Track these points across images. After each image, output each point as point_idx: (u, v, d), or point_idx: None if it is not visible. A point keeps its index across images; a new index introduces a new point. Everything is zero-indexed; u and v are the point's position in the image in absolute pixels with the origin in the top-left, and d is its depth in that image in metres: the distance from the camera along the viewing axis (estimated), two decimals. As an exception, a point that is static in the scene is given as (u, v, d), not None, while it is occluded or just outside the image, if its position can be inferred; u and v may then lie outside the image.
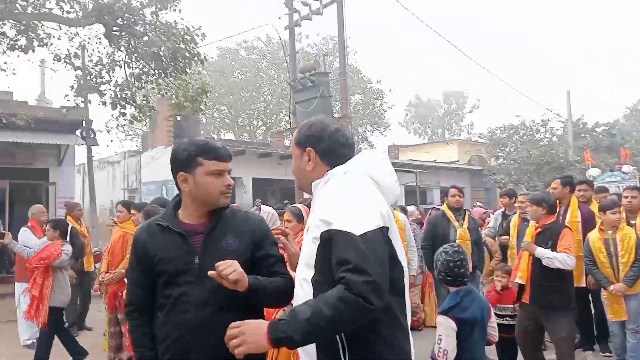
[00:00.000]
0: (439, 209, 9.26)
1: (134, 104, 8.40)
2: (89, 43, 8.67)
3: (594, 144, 26.28)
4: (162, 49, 7.27)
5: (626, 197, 5.26)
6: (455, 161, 25.96)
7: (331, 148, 1.78)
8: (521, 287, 4.23)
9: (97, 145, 10.43)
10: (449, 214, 5.41)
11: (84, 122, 10.58)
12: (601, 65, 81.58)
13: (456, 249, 3.10)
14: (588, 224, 5.03)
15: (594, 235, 4.76)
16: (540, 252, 4.03)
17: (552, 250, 4.02)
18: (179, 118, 17.22)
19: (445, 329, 2.79)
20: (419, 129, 52.05)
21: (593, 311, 5.39)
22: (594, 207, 5.34)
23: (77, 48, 8.64)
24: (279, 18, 13.49)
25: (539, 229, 4.18)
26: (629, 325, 4.57)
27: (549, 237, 4.09)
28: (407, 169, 20.87)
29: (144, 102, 8.64)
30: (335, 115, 12.81)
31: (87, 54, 8.99)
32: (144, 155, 19.10)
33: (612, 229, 4.68)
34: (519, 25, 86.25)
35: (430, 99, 52.20)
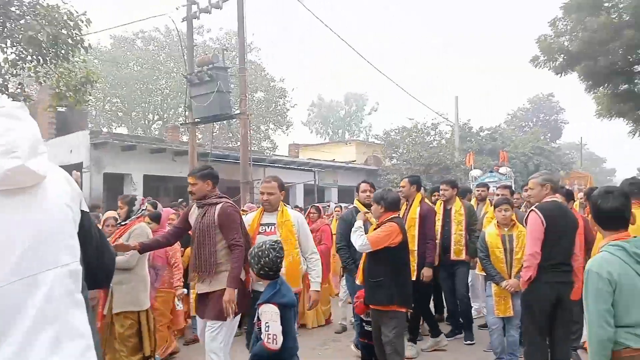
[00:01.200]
0: (342, 206, 9.45)
1: (6, 92, 7.57)
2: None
3: (478, 147, 28.43)
4: (40, 33, 6.59)
5: (498, 194, 6.14)
6: (353, 161, 26.72)
7: None
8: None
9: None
10: (363, 210, 5.31)
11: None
12: (487, 73, 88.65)
13: (281, 245, 3.24)
14: (426, 220, 5.27)
15: (490, 231, 4.87)
16: (356, 224, 4.11)
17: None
18: (61, 109, 16.00)
19: (271, 315, 2.95)
20: (321, 129, 53.01)
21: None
22: (487, 205, 6.26)
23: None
24: (177, 9, 13.00)
25: (376, 227, 4.13)
26: (514, 320, 4.69)
27: None
28: (307, 168, 21.17)
29: (19, 90, 7.83)
30: (234, 112, 12.57)
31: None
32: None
33: (508, 226, 4.80)
34: (417, 31, 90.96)
35: (332, 100, 53.41)
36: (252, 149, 26.94)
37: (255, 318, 3.11)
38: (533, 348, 4.08)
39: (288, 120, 33.09)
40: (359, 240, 3.90)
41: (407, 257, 4.23)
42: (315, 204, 8.09)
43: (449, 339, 5.73)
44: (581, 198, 8.16)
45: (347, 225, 4.90)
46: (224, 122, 22.18)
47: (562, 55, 13.11)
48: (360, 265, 4.13)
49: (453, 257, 5.69)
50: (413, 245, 5.02)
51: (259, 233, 4.05)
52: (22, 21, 7.18)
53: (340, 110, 53.54)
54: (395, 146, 25.90)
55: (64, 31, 7.05)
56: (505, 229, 4.81)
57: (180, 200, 11.68)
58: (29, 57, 7.52)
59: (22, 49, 7.34)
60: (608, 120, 14.61)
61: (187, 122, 12.88)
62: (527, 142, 30.95)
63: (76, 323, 1.25)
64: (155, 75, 28.32)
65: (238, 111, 12.23)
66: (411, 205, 5.31)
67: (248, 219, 4.22)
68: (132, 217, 4.41)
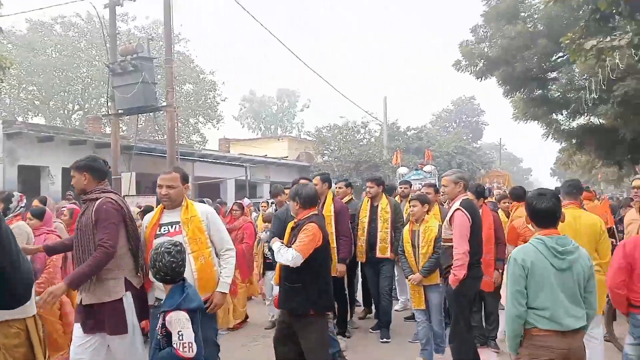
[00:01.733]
0: (269, 202, 9.35)
1: None
2: None
3: (405, 145, 29.35)
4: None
5: (422, 192, 6.24)
6: (285, 157, 26.74)
7: None
8: None
9: None
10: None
11: None
12: (416, 75, 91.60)
13: (179, 248, 2.96)
14: (340, 216, 5.36)
15: (407, 227, 5.09)
16: (274, 245, 3.77)
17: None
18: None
19: (183, 322, 2.80)
20: (253, 124, 52.55)
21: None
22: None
23: None
24: (99, -6, 12.34)
25: (294, 224, 3.88)
26: (435, 315, 4.84)
27: (297, 231, 3.74)
28: (238, 163, 20.90)
29: None
30: (160, 104, 12.15)
31: None
32: None
33: (418, 222, 4.92)
34: (349, 30, 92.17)
35: (264, 95, 53.07)
36: (181, 142, 26.21)
37: (158, 326, 2.87)
38: (463, 344, 4.23)
39: (218, 114, 32.43)
40: (287, 254, 3.57)
41: (328, 257, 3.99)
42: (238, 201, 7.88)
43: (375, 331, 5.95)
44: (496, 196, 8.69)
45: (281, 223, 4.75)
46: (150, 114, 21.44)
47: (482, 61, 13.80)
48: (278, 265, 3.82)
49: (378, 254, 5.69)
50: (332, 243, 5.06)
51: (158, 235, 3.46)
52: None
53: (272, 106, 53.33)
54: (326, 143, 26.18)
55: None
56: (417, 225, 4.94)
57: (68, 192, 11.12)
58: None
59: None
60: (524, 123, 15.56)
61: (109, 113, 12.28)
62: (451, 142, 32.37)
63: None
64: (76, 63, 26.74)
65: (164, 103, 11.84)
66: (324, 203, 5.31)
67: (146, 219, 3.70)
68: (10, 216, 4.07)
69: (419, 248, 4.87)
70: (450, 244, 4.22)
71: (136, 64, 11.07)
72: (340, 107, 48.20)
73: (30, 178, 14.65)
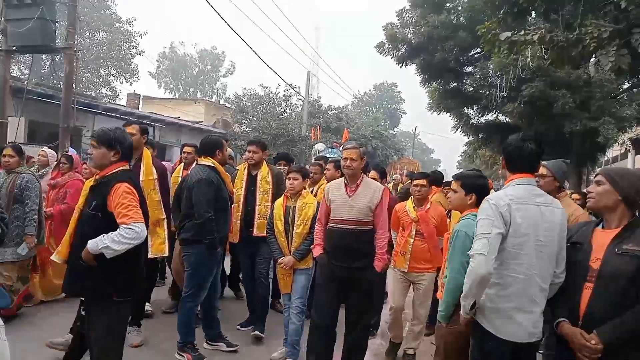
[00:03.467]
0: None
1: None
2: None
3: (325, 124, 29.42)
4: None
5: (328, 169, 5.72)
6: (200, 121, 25.72)
7: None
8: None
9: None
10: (224, 172, 4.42)
11: None
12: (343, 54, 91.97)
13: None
14: (162, 179, 4.62)
15: (278, 201, 4.46)
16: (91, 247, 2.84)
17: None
18: None
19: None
20: (171, 84, 50.12)
21: None
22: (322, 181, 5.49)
23: None
24: None
25: (98, 181, 3.07)
26: (295, 301, 4.24)
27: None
28: (147, 122, 19.73)
29: None
30: (59, 45, 11.00)
31: None
32: None
33: (295, 196, 4.35)
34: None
35: (186, 54, 50.63)
36: (89, 94, 24.34)
37: None
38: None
39: (133, 68, 30.44)
40: (129, 232, 2.79)
41: None
42: (66, 152, 6.45)
43: (244, 329, 4.99)
44: (396, 179, 8.76)
45: (216, 189, 4.14)
46: (56, 59, 19.56)
47: (405, 46, 13.93)
48: (66, 235, 3.07)
49: (256, 232, 4.79)
50: (160, 213, 4.43)
51: None
52: None
53: (194, 67, 51.08)
54: (245, 112, 25.52)
55: None
56: (292, 200, 4.36)
57: None
58: None
59: None
60: (437, 113, 16.03)
61: (1, 48, 10.92)
62: (369, 125, 32.99)
63: None
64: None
65: (63, 45, 10.72)
66: (139, 162, 4.43)
67: None
68: None
69: (293, 227, 4.27)
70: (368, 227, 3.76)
71: (34, -4, 9.87)
72: (265, 78, 47.21)
73: None
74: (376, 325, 5.17)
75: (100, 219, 2.85)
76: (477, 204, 2.86)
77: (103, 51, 27.92)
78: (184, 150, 5.73)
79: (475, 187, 3.05)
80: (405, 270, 4.40)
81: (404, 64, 14.54)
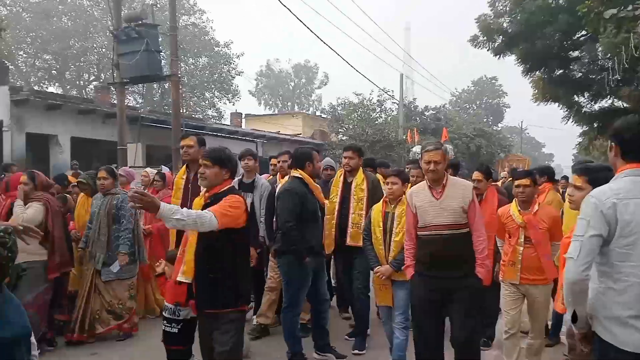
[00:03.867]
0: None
1: None
2: None
3: (423, 126, 28.75)
4: None
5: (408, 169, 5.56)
6: (299, 134, 26.41)
7: None
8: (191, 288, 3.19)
9: None
10: (313, 183, 4.34)
11: None
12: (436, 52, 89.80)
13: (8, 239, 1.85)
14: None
15: (377, 207, 4.19)
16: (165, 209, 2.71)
17: None
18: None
19: None
20: (270, 101, 52.18)
21: None
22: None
23: None
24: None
25: (210, 197, 3.16)
26: (397, 317, 4.03)
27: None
28: (250, 139, 20.67)
29: None
30: (165, 73, 11.90)
31: None
32: None
33: (394, 201, 4.08)
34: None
35: (282, 70, 52.46)
36: (197, 116, 26.09)
37: None
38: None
39: (234, 88, 32.13)
40: (203, 217, 2.81)
41: (249, 243, 3.43)
42: (159, 170, 6.83)
43: (352, 339, 4.84)
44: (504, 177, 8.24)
45: (299, 198, 4.12)
46: (165, 87, 21.28)
47: (501, 37, 13.17)
48: (186, 256, 3.09)
49: (349, 242, 4.61)
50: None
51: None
52: None
53: (289, 82, 52.75)
54: (341, 121, 25.76)
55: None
56: (392, 206, 4.09)
57: (115, 165, 11.01)
58: None
59: None
60: (544, 104, 14.93)
61: (114, 81, 12.07)
62: (470, 123, 31.65)
63: None
64: (90, 32, 26.63)
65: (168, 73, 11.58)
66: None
67: None
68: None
69: (391, 234, 4.00)
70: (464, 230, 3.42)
71: (140, 31, 10.80)
72: (358, 85, 47.45)
73: (39, 146, 14.61)
74: (491, 337, 4.80)
75: (218, 234, 2.92)
76: None
77: (206, 75, 29.80)
78: (344, 156, 5.72)
79: (605, 182, 2.62)
80: (517, 283, 3.91)
81: (501, 56, 13.75)
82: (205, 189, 3.19)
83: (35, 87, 24.49)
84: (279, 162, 5.63)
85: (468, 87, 52.26)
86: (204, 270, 3.04)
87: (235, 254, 3.08)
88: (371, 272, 4.23)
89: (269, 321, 5.10)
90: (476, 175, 4.77)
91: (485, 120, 37.87)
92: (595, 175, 2.73)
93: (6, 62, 19.82)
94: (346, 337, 4.96)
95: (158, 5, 24.85)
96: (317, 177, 4.49)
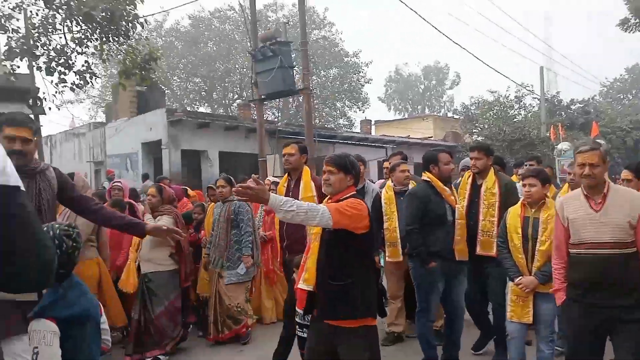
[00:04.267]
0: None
1: (73, 70, 8.00)
2: (26, 5, 8.20)
3: (569, 121, 26.32)
4: (95, 10, 6.82)
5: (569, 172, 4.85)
6: (429, 137, 25.85)
7: None
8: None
9: (45, 114, 9.92)
10: (441, 186, 4.07)
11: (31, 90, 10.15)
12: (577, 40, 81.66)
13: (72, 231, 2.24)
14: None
15: (513, 210, 3.79)
16: (274, 200, 2.65)
17: None
18: (140, 88, 16.78)
19: (44, 336, 2.04)
20: (399, 105, 51.87)
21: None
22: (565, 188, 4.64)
23: (11, 9, 8.16)
24: (243, -15, 13.00)
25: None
26: (542, 332, 3.68)
27: None
28: (379, 145, 20.76)
29: (84, 67, 8.23)
30: (298, 87, 12.47)
31: (28, 16, 8.51)
32: (108, 127, 18.62)
33: (535, 205, 3.67)
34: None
35: (411, 74, 51.87)
36: (329, 126, 26.95)
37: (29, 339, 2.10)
38: None
39: (363, 96, 32.56)
40: (315, 210, 2.69)
41: (372, 252, 3.25)
42: (276, 179, 6.82)
43: (477, 352, 4.58)
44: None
45: (421, 203, 4.02)
46: (300, 100, 22.31)
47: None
48: (308, 263, 2.98)
49: (479, 251, 4.26)
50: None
51: None
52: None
53: (419, 85, 51.93)
54: (475, 121, 24.68)
55: (120, 7, 7.23)
56: (532, 210, 3.67)
57: (257, 176, 11.82)
58: (95, 36, 7.87)
59: (86, 28, 7.67)
60: None
61: (253, 99, 12.96)
62: (625, 115, 28.21)
63: None
64: (232, 54, 28.95)
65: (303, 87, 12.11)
66: (299, 180, 4.36)
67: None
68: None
69: (533, 242, 3.59)
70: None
71: (274, 49, 11.43)
72: (493, 83, 44.94)
73: (192, 161, 16.26)
74: None
75: (342, 237, 2.81)
76: None
77: (336, 85, 30.63)
78: (471, 157, 5.38)
79: None
80: None
81: (662, 37, 12.11)
82: (328, 196, 3.08)
83: (188, 108, 27.29)
84: (389, 163, 5.48)
85: (621, 75, 46.69)
86: (324, 278, 2.88)
87: (357, 263, 2.88)
88: (509, 283, 3.81)
89: (401, 328, 5.03)
90: (625, 174, 4.19)
91: (644, 110, 33.43)
92: None
93: (163, 87, 22.42)
94: (472, 350, 4.61)
95: (290, 23, 26.22)
96: (446, 180, 4.16)
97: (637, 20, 11.86)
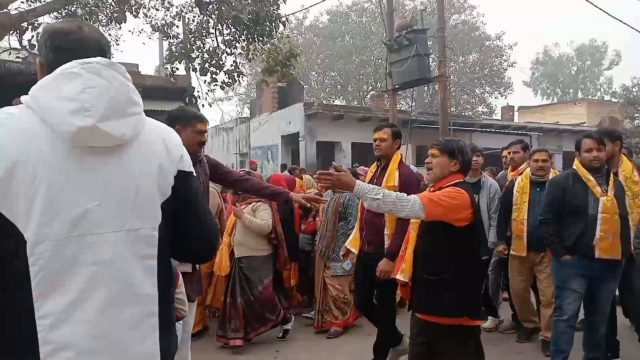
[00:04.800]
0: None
1: (223, 70, 8.75)
2: (184, 12, 9.16)
3: None
4: (242, 13, 7.37)
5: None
6: (582, 123, 23.49)
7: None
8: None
9: (199, 110, 10.97)
10: (586, 175, 3.69)
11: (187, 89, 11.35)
12: None
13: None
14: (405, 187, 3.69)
15: None
16: (360, 187, 2.58)
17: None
18: (281, 84, 17.74)
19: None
20: (548, 89, 47.79)
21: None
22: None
23: (172, 17, 9.17)
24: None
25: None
26: None
27: None
28: (522, 132, 19.42)
29: (232, 67, 8.94)
30: (433, 75, 12.17)
31: (186, 23, 9.50)
32: (252, 122, 20.05)
33: None
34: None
35: (562, 54, 47.41)
36: (466, 114, 25.88)
37: None
38: None
39: (506, 81, 30.63)
40: (404, 200, 2.54)
41: (479, 248, 2.93)
42: (356, 167, 6.34)
43: None
44: None
45: (559, 191, 3.73)
46: (435, 88, 21.71)
47: None
48: (408, 252, 2.84)
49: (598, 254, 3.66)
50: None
51: None
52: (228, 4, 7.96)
53: (571, 66, 47.26)
54: (637, 104, 21.85)
55: (264, 8, 7.71)
56: None
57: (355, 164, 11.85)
58: (242, 37, 8.51)
59: (235, 30, 8.33)
60: None
61: (387, 89, 12.95)
62: None
63: (138, 288, 1.24)
64: (368, 46, 29.15)
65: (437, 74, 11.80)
66: (386, 167, 3.89)
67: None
68: None
69: None
70: None
71: (410, 37, 11.28)
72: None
73: (326, 152, 16.83)
74: None
75: (440, 229, 2.65)
76: None
77: (476, 71, 29.23)
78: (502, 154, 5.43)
79: None
80: None
81: None
82: (430, 184, 2.84)
83: (324, 102, 28.19)
84: (509, 153, 5.13)
85: None
86: (420, 271, 2.75)
87: (456, 257, 2.66)
88: None
89: (531, 325, 4.72)
90: None
91: None
92: None
93: (301, 82, 23.44)
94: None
95: (427, 10, 25.59)
96: (594, 169, 3.68)
97: None
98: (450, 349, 2.66)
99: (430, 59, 13.00)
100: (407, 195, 2.61)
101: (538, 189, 4.35)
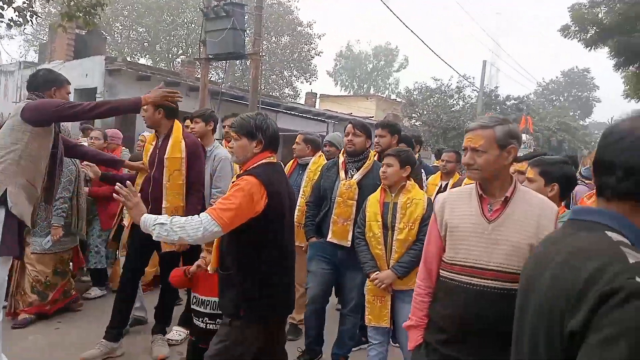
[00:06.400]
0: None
1: (12, 6, 7.50)
2: None
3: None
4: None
5: (443, 160, 5.39)
6: (370, 117, 26.37)
7: None
8: None
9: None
10: (341, 160, 3.72)
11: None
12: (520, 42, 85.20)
13: None
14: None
15: (373, 197, 3.27)
16: (147, 219, 2.29)
17: None
18: (80, 32, 15.90)
19: None
20: (346, 82, 52.18)
21: None
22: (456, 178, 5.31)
23: None
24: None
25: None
26: (402, 339, 3.04)
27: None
28: (321, 119, 20.98)
29: (25, 4, 7.73)
30: (247, 51, 12.35)
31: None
32: (40, 68, 17.57)
33: (395, 189, 3.18)
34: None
35: (361, 51, 52.17)
36: (273, 94, 26.73)
37: None
38: None
39: (312, 68, 32.47)
40: (194, 221, 2.22)
41: (284, 240, 2.50)
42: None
43: None
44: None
45: (320, 177, 3.90)
46: (247, 63, 21.96)
47: (595, 28, 12.47)
48: (215, 244, 2.57)
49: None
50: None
51: None
52: None
53: (368, 64, 52.37)
54: (415, 106, 25.42)
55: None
56: (391, 195, 3.18)
57: None
58: (38, -28, 7.42)
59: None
60: (635, 102, 14.04)
61: (200, 57, 12.70)
62: (554, 116, 30.07)
63: None
64: (182, 7, 27.85)
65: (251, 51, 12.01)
66: (168, 137, 3.76)
67: None
68: None
69: (392, 230, 3.09)
70: None
71: (228, 9, 11.23)
72: (439, 71, 46.10)
73: (127, 114, 15.72)
74: None
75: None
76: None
77: (286, 54, 30.31)
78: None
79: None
80: None
81: (593, 48, 13.03)
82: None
83: (128, 58, 26.10)
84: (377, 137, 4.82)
85: (557, 77, 49.44)
86: (219, 265, 2.56)
87: (245, 252, 2.41)
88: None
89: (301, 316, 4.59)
90: (524, 168, 3.33)
91: (571, 114, 35.72)
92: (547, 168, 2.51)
93: (104, 33, 21.31)
94: None
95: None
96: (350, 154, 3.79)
97: (577, 28, 12.65)
98: (218, 337, 2.51)
99: (245, 34, 13.12)
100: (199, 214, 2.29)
101: (301, 172, 4.61)
